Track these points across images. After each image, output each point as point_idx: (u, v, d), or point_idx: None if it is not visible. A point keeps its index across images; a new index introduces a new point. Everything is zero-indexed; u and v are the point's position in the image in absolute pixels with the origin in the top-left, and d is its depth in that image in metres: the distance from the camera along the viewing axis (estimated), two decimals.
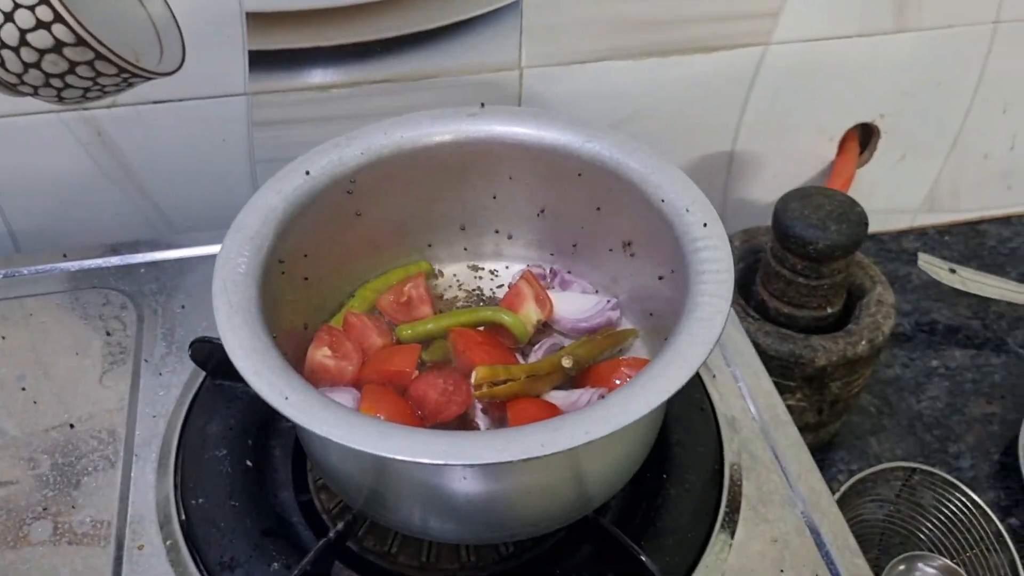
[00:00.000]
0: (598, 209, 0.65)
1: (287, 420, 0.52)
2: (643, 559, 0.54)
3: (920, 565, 0.78)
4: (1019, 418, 0.89)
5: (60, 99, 0.78)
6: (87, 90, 0.77)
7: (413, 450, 0.45)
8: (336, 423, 0.46)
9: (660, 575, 0.54)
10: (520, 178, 0.67)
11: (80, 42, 0.73)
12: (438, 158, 0.65)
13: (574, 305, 0.67)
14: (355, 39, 0.80)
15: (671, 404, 0.49)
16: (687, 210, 0.58)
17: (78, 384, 0.68)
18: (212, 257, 0.55)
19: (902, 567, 0.78)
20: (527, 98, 0.88)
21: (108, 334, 0.71)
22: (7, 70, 0.74)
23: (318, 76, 0.82)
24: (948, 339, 1.00)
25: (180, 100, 0.81)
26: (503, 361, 0.61)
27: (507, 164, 0.66)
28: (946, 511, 0.79)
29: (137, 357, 0.70)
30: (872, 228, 0.78)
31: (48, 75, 0.75)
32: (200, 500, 0.60)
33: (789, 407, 0.69)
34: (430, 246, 0.71)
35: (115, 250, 0.78)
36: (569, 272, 0.70)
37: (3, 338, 0.71)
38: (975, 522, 0.78)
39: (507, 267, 0.72)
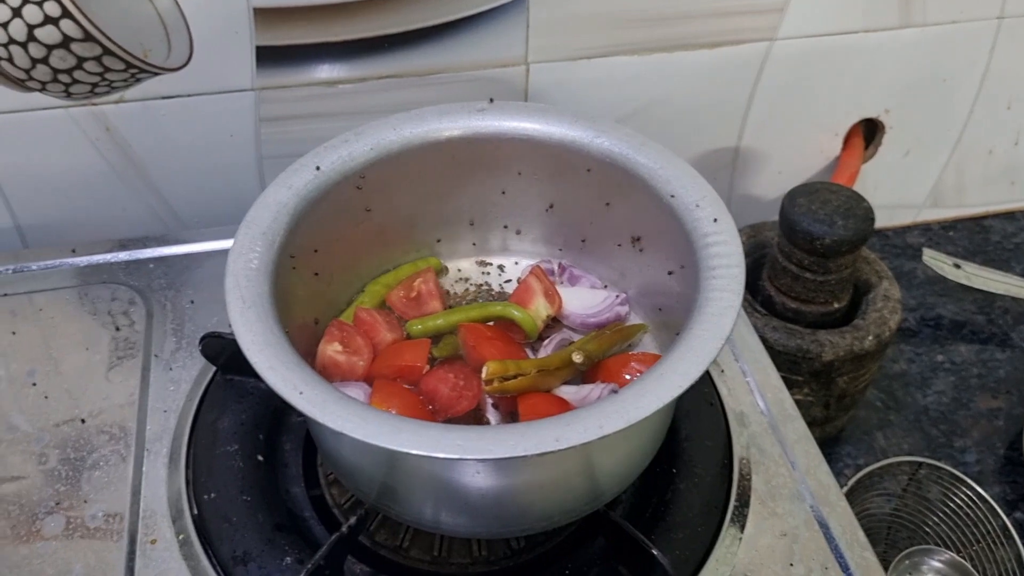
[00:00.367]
0: (607, 204, 0.65)
1: (299, 415, 0.52)
2: (654, 553, 0.54)
3: (927, 559, 0.78)
4: None
5: (68, 95, 0.77)
6: (95, 86, 0.77)
7: (428, 445, 0.45)
8: (350, 418, 0.46)
9: (671, 569, 0.54)
10: (529, 174, 0.67)
11: (88, 38, 0.73)
12: (447, 154, 0.65)
13: (583, 300, 0.67)
14: (362, 35, 0.81)
15: (681, 399, 0.49)
16: (697, 205, 0.58)
17: (88, 379, 0.68)
18: (220, 252, 0.55)
19: (908, 561, 0.78)
20: (533, 93, 0.88)
21: (117, 329, 0.71)
22: (15, 66, 0.74)
23: (325, 72, 0.82)
24: (953, 334, 1.00)
25: (188, 96, 0.81)
26: (513, 356, 0.61)
27: (516, 160, 0.66)
28: (952, 505, 0.80)
29: (147, 352, 0.70)
30: (877, 223, 0.79)
31: (56, 71, 0.75)
32: (212, 495, 0.60)
33: (796, 402, 0.69)
34: (439, 241, 0.71)
35: (123, 245, 0.78)
36: (577, 267, 0.70)
37: (13, 333, 0.71)
38: (981, 516, 0.78)
39: (516, 263, 0.72)
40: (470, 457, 0.45)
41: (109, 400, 0.66)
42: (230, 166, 0.86)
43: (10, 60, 0.74)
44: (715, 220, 0.57)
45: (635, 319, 0.67)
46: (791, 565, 0.58)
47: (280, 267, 0.56)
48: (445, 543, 0.60)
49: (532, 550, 0.60)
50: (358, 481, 0.56)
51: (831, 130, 1.00)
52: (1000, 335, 1.00)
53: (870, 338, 0.79)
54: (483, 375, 0.57)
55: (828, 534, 0.60)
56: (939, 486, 0.80)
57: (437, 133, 0.64)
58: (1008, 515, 0.78)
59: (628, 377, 0.60)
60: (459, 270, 0.72)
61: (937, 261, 0.97)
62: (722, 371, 0.70)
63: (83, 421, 0.65)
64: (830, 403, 0.84)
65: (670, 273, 0.62)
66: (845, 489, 0.76)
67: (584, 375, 0.62)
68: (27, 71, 0.75)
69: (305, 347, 0.59)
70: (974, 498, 0.79)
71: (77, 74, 0.76)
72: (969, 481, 0.79)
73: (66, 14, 0.72)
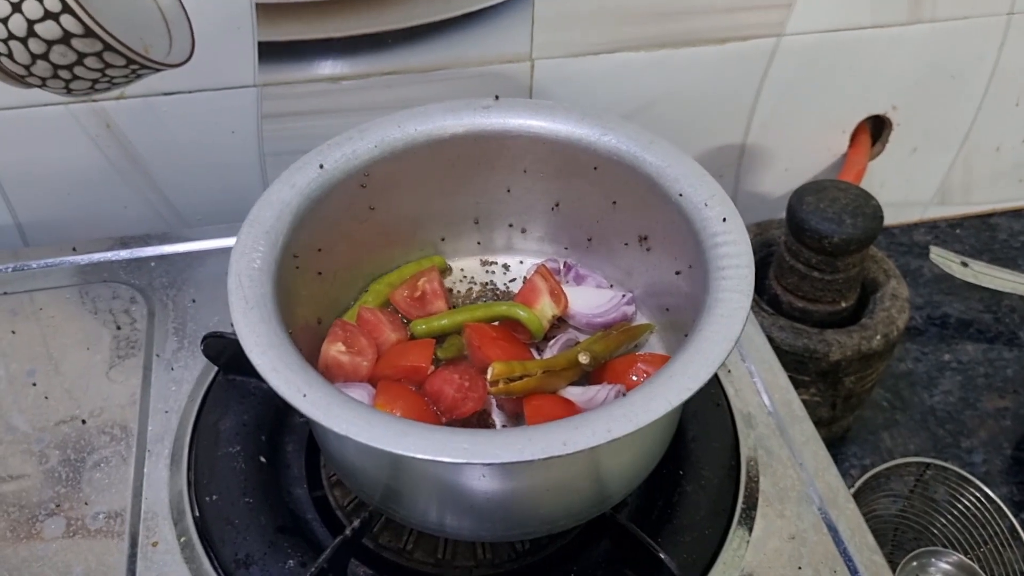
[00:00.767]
0: (614, 203, 0.64)
1: (303, 417, 0.51)
2: (661, 556, 0.54)
3: (934, 560, 0.78)
4: None
5: (68, 91, 0.77)
6: (96, 82, 0.77)
7: (434, 449, 0.44)
8: (355, 421, 0.46)
9: (678, 572, 0.53)
10: (535, 171, 0.66)
11: (88, 33, 0.72)
12: (452, 151, 0.64)
13: (589, 300, 0.66)
14: (365, 30, 0.80)
15: (688, 400, 0.48)
16: (706, 204, 0.58)
17: (89, 379, 0.67)
18: (222, 250, 0.55)
19: (916, 563, 0.77)
20: (538, 89, 0.87)
21: (118, 328, 0.71)
22: (15, 61, 0.73)
23: (328, 68, 0.81)
24: (960, 333, 0.99)
25: (189, 92, 0.80)
26: (518, 357, 0.60)
27: (521, 157, 0.65)
28: (960, 506, 0.79)
29: (148, 351, 0.69)
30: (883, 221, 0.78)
31: (56, 66, 0.74)
32: (214, 496, 0.60)
33: (803, 402, 0.68)
34: (443, 240, 0.70)
35: (124, 243, 0.78)
36: (583, 266, 0.69)
37: (13, 332, 0.70)
38: (989, 517, 0.77)
39: (521, 261, 0.71)
40: (477, 461, 0.44)
41: (110, 400, 0.66)
42: (232, 163, 0.86)
43: (10, 56, 0.73)
44: (724, 219, 0.56)
45: (641, 319, 0.66)
46: (799, 568, 0.58)
47: (283, 267, 0.56)
48: (449, 546, 0.59)
49: (537, 553, 0.59)
50: (362, 483, 0.55)
51: (838, 127, 0.99)
52: (1007, 334, 1.00)
53: (878, 337, 0.79)
54: (488, 376, 0.57)
55: (837, 537, 0.60)
56: (946, 487, 0.80)
57: (442, 130, 0.63)
58: (1016, 516, 0.77)
59: (635, 378, 0.59)
60: (463, 269, 0.71)
61: (944, 259, 0.96)
62: (729, 371, 0.69)
63: (84, 421, 0.64)
64: (836, 403, 0.83)
65: (678, 273, 0.61)
66: (852, 490, 0.76)
67: (590, 376, 0.61)
68: (27, 67, 0.74)
69: (308, 347, 0.59)
70: (982, 499, 0.78)
71: (77, 70, 0.75)
72: (976, 482, 0.78)
73: (66, 9, 0.71)
